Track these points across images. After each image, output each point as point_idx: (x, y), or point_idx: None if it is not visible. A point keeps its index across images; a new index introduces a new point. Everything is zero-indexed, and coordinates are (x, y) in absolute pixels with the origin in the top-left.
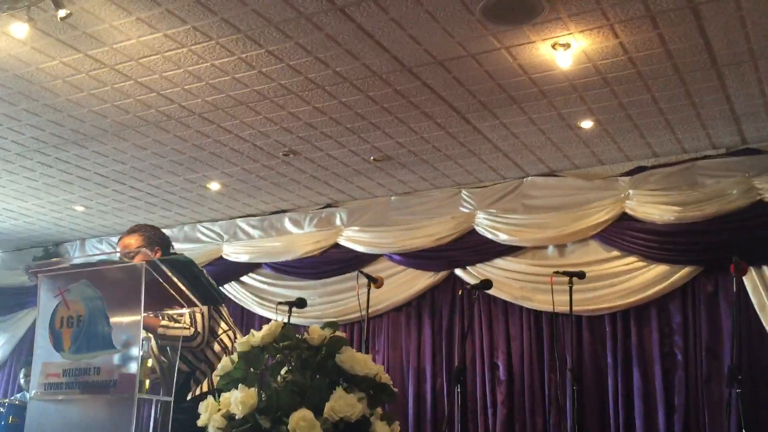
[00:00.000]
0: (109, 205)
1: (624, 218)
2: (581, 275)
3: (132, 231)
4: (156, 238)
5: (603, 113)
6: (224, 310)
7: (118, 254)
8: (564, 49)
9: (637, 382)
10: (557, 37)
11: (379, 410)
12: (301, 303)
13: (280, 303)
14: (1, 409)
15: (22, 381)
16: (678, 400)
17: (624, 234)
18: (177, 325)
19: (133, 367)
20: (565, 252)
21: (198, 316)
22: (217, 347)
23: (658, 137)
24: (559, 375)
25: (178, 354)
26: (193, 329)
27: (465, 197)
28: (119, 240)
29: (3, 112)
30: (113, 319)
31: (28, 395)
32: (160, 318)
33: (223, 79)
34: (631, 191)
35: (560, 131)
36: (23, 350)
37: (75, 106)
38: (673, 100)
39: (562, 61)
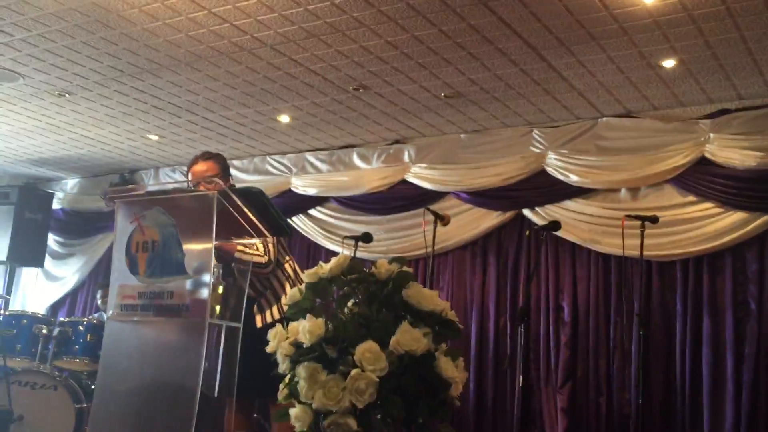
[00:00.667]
0: (182, 135)
1: (702, 163)
2: (654, 219)
3: (206, 158)
4: (227, 168)
5: (687, 52)
6: (284, 241)
7: (190, 184)
8: None
9: (707, 329)
10: None
11: (443, 346)
12: (367, 237)
13: (346, 237)
14: (80, 328)
15: (99, 301)
16: (749, 350)
17: (702, 179)
18: (252, 251)
19: (205, 293)
20: (638, 196)
21: (270, 246)
22: (281, 275)
23: (744, 78)
24: (626, 319)
25: (248, 280)
26: (266, 257)
27: (536, 137)
28: (191, 165)
29: (82, 40)
30: (186, 246)
31: (105, 315)
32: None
33: (295, 10)
34: (711, 135)
35: (640, 70)
36: (100, 273)
37: (150, 35)
38: (763, 39)
39: None
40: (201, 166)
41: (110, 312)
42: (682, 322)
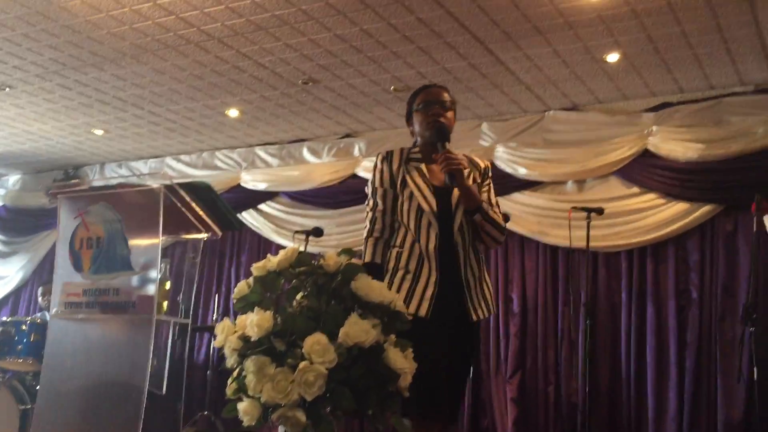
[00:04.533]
0: (129, 129)
1: (646, 155)
2: (600, 211)
3: (444, 88)
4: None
5: (630, 46)
6: None
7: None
8: None
9: (651, 318)
10: None
11: (392, 337)
12: (317, 232)
13: (297, 231)
14: (24, 327)
15: (40, 299)
16: (690, 337)
17: (645, 171)
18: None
19: (151, 289)
20: (584, 188)
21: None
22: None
23: (686, 72)
24: (573, 309)
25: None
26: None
27: (485, 130)
28: (424, 87)
29: (22, 32)
30: (132, 242)
31: (48, 314)
32: None
33: (243, 2)
34: (654, 127)
35: (585, 64)
36: (44, 271)
37: (93, 27)
38: (703, 33)
39: None
40: (442, 91)
41: (53, 310)
42: (627, 311)
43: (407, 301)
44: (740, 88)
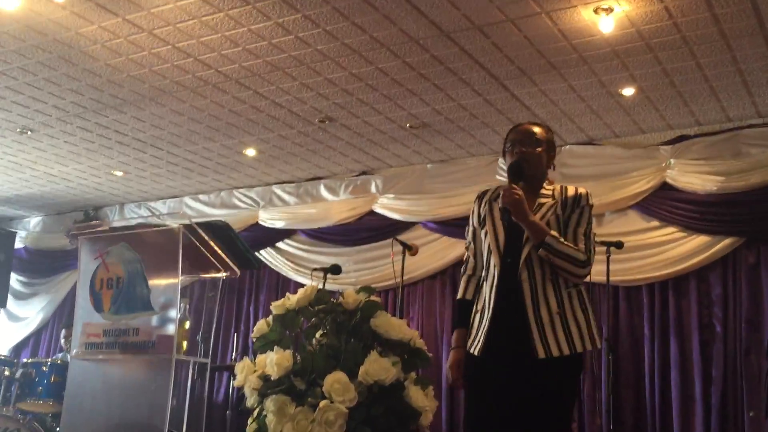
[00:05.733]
0: (147, 170)
1: (664, 188)
2: (619, 245)
3: (538, 123)
4: (554, 146)
5: (645, 80)
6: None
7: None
8: (606, 14)
9: (674, 353)
10: (600, 0)
11: (413, 375)
12: (335, 269)
13: (315, 269)
14: (44, 368)
15: (62, 341)
16: (716, 372)
17: (664, 204)
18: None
19: (171, 329)
20: (603, 221)
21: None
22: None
23: (702, 105)
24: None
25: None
26: (586, 254)
27: (502, 165)
28: (516, 126)
29: (44, 77)
30: (152, 282)
31: (69, 355)
32: None
33: (259, 44)
34: (672, 160)
35: (601, 99)
36: (64, 312)
37: (113, 71)
38: (718, 66)
39: (604, 26)
40: (532, 126)
41: (74, 351)
42: (650, 345)
43: (470, 339)
44: (757, 120)
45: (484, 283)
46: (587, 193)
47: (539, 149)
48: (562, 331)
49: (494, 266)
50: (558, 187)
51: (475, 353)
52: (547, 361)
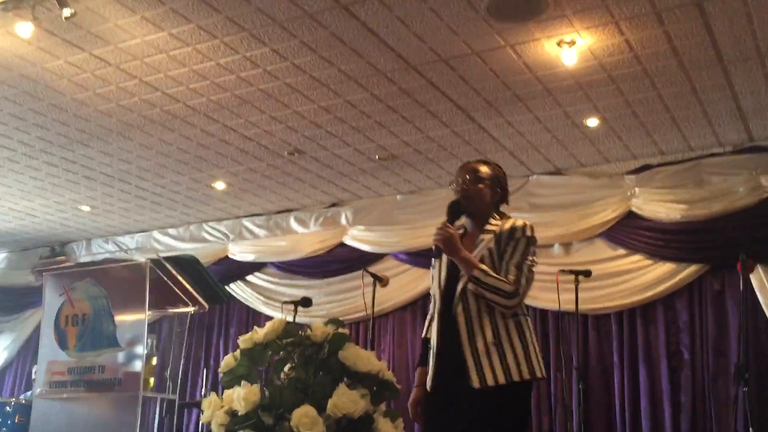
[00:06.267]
0: (115, 204)
1: (630, 216)
2: (587, 273)
3: (485, 161)
4: (503, 184)
5: (609, 111)
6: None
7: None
8: (569, 47)
9: (644, 380)
10: (562, 34)
11: (382, 407)
12: (306, 302)
13: (285, 302)
14: (8, 409)
15: (33, 378)
16: (684, 398)
17: (630, 232)
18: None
19: (138, 365)
20: (571, 250)
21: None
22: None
23: (664, 135)
24: (565, 374)
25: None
26: (514, 285)
27: None
28: (464, 164)
29: (9, 112)
30: (118, 317)
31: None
32: None
33: (227, 77)
34: (637, 189)
35: (566, 129)
36: (30, 350)
37: (80, 105)
38: (679, 97)
39: (567, 59)
40: (477, 164)
41: (38, 390)
42: (619, 374)
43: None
44: (719, 149)
45: (434, 318)
46: (524, 225)
47: (481, 185)
48: (498, 360)
49: (438, 301)
50: (505, 222)
51: (429, 389)
52: (485, 391)
